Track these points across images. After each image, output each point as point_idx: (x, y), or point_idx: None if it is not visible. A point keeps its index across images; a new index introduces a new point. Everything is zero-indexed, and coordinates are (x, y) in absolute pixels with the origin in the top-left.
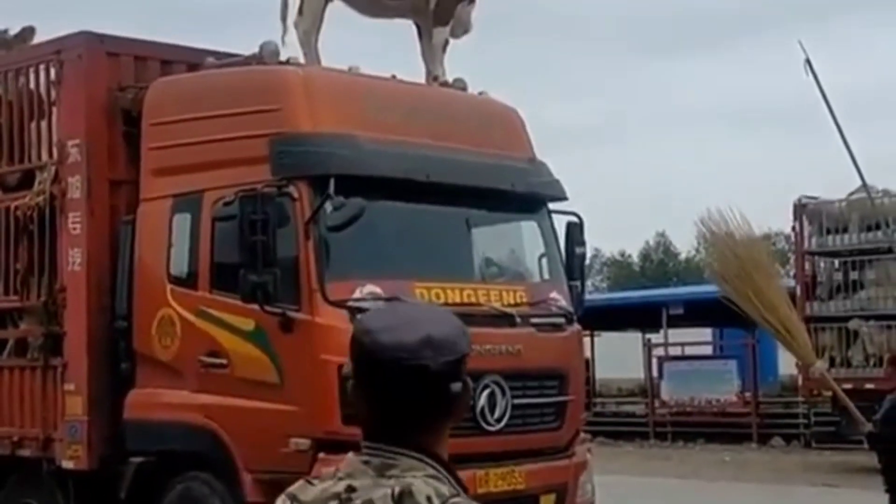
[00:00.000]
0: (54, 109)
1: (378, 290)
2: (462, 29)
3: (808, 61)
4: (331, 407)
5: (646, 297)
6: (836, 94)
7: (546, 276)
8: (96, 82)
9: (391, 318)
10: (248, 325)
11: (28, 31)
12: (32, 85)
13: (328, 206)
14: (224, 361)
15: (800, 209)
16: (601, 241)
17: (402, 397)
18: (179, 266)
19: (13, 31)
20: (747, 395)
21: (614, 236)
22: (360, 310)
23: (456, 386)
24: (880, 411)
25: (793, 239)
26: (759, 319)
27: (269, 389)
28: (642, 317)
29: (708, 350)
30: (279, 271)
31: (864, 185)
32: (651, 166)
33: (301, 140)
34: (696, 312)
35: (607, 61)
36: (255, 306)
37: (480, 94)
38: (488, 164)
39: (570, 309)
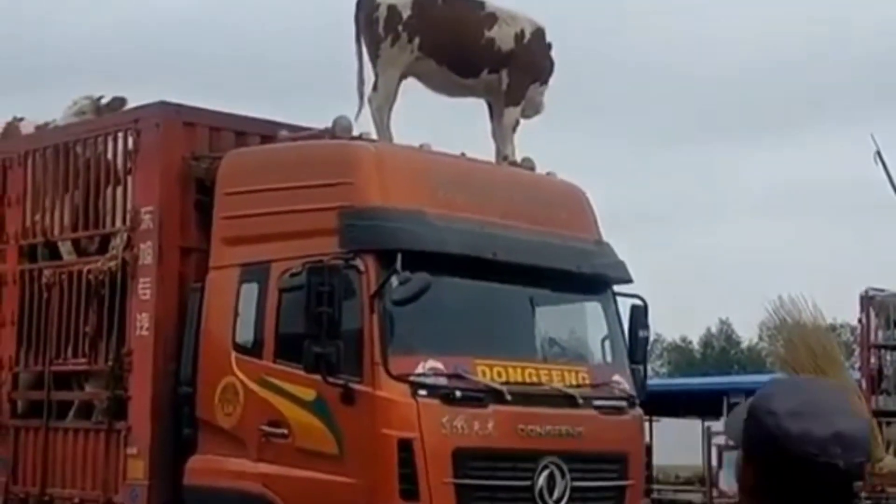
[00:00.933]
0: (129, 177)
1: (440, 365)
2: (533, 110)
3: (878, 153)
4: (389, 481)
5: (707, 384)
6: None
7: (609, 358)
8: (172, 151)
9: (795, 401)
10: (309, 395)
11: (118, 101)
12: (110, 153)
13: (394, 281)
14: (285, 431)
15: (866, 301)
16: (663, 327)
17: (802, 488)
18: (245, 335)
19: (105, 100)
20: None
21: (676, 322)
22: (422, 385)
23: (858, 484)
24: None
25: (858, 331)
26: None
27: (329, 461)
28: (703, 404)
29: None
30: (343, 343)
31: None
32: (713, 252)
33: (370, 214)
34: None
35: (669, 145)
36: (318, 377)
37: (548, 174)
38: (555, 244)
39: (633, 392)
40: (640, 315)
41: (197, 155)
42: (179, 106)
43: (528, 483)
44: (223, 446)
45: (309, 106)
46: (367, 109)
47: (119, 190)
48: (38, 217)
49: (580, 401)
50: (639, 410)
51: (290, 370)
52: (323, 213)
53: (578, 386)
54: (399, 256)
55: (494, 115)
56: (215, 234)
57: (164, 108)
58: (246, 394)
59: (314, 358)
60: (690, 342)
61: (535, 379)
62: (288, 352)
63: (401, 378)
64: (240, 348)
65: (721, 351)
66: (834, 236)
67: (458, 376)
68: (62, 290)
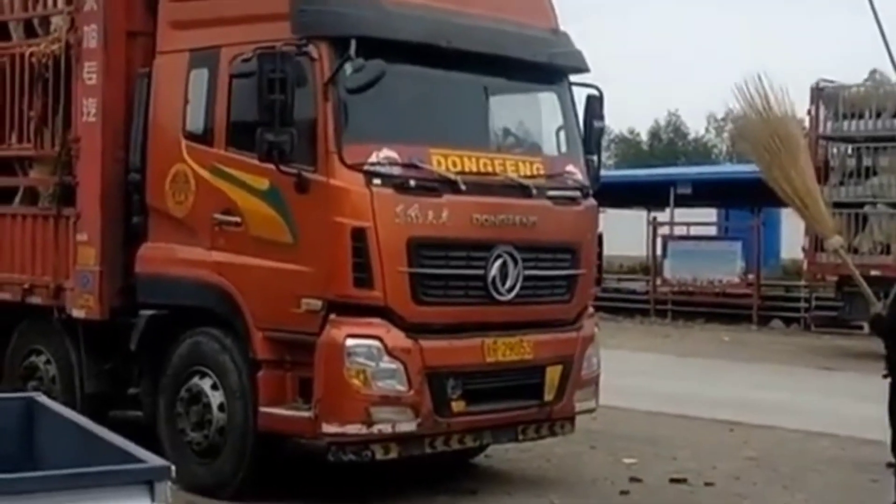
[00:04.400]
0: None
1: (395, 154)
2: None
3: None
4: (343, 269)
5: (654, 175)
6: None
7: (563, 148)
8: None
9: None
10: (262, 184)
11: None
12: None
13: (348, 68)
14: (238, 220)
15: (817, 93)
16: (610, 119)
17: None
18: (195, 122)
19: None
20: (750, 277)
21: (624, 114)
22: (377, 174)
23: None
24: (890, 296)
25: (807, 122)
26: (780, 189)
27: (283, 249)
28: (649, 195)
29: (713, 231)
30: (296, 131)
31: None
32: (664, 43)
33: None
34: (704, 193)
35: None
36: (271, 165)
37: None
38: (510, 32)
39: (586, 183)
40: (595, 105)
41: None
42: None
43: (481, 272)
44: (175, 234)
45: None
46: None
47: None
48: None
49: (534, 191)
50: (592, 201)
51: (243, 158)
52: None
53: (533, 176)
54: (353, 43)
55: None
56: (162, 18)
57: None
58: (197, 182)
59: (267, 146)
60: (638, 134)
61: (489, 169)
62: (240, 140)
63: (355, 167)
64: (190, 135)
65: (668, 143)
66: (785, 29)
67: (413, 166)
68: (3, 73)
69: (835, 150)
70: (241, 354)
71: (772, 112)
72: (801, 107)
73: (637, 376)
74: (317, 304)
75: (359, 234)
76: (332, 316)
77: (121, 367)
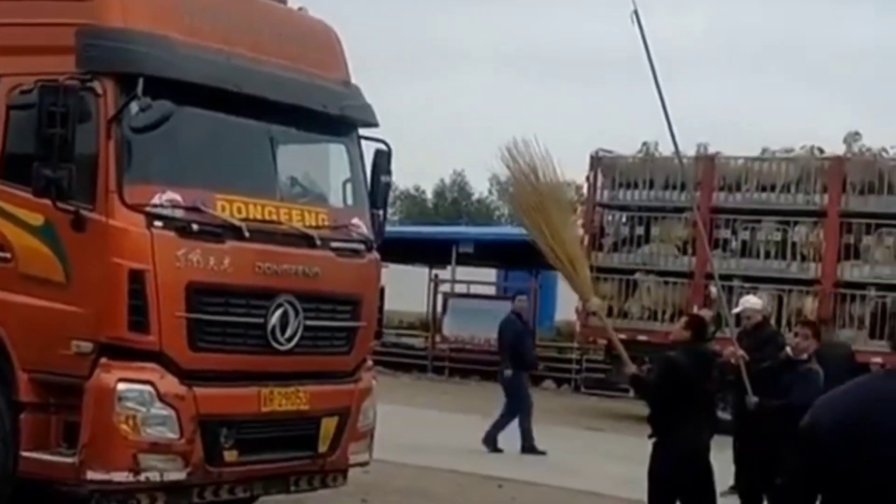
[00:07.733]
0: None
1: (178, 197)
2: None
3: (636, 12)
4: (118, 312)
5: (437, 233)
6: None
7: (349, 201)
8: None
9: None
10: (37, 220)
11: None
12: None
13: (134, 107)
14: (8, 255)
15: (596, 161)
16: (396, 175)
17: None
18: None
19: None
20: None
21: (410, 171)
22: (158, 216)
23: None
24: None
25: (585, 189)
26: (546, 250)
27: (54, 288)
28: (432, 253)
29: (492, 290)
30: (76, 168)
31: (675, 143)
32: (451, 105)
33: (111, 35)
34: (485, 253)
35: None
36: (47, 201)
37: (300, 9)
38: (302, 81)
39: (370, 236)
40: (383, 160)
41: None
42: None
43: (261, 321)
44: None
45: None
46: None
47: None
48: None
49: (318, 241)
50: (375, 254)
51: (17, 192)
52: (59, 29)
53: (317, 227)
54: (140, 81)
55: None
56: None
57: None
58: None
59: (44, 181)
60: (424, 192)
61: (274, 217)
62: (15, 173)
63: (136, 208)
64: None
65: (453, 202)
66: (575, 96)
67: (196, 209)
68: None
69: (610, 218)
70: (3, 396)
71: (539, 177)
72: (580, 173)
73: (411, 431)
74: (88, 346)
75: (136, 277)
76: (104, 359)
77: None
